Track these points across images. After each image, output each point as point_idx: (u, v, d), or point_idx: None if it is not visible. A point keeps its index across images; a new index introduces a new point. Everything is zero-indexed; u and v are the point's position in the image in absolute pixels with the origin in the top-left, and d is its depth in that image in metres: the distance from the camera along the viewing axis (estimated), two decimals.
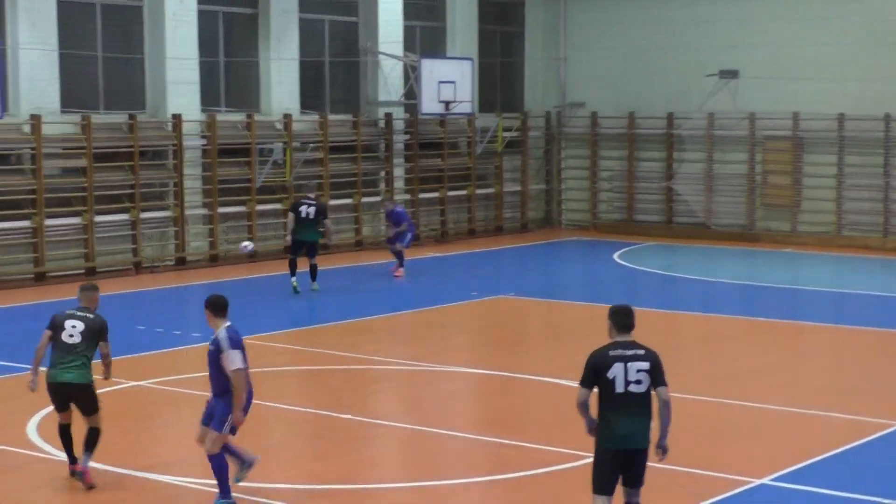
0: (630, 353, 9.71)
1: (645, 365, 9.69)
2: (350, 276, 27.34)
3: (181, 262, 28.21)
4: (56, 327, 12.32)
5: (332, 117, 31.47)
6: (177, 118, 27.89)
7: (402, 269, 26.68)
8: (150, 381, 16.65)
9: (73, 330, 12.16)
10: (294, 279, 24.14)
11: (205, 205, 28.87)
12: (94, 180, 26.51)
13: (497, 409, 16.00)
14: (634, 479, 9.75)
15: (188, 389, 16.35)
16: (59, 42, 26.30)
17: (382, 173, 33.00)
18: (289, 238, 24.38)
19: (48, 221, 25.78)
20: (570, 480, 11.61)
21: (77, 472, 12.08)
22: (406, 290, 25.41)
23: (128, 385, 16.42)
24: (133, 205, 27.30)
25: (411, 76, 32.51)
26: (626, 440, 9.64)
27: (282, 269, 25.20)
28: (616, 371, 9.64)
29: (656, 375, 9.70)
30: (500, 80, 37.00)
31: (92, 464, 12.15)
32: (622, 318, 9.91)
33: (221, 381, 11.20)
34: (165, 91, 28.06)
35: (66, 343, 12.15)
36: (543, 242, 34.27)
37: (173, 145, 28.05)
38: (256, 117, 29.76)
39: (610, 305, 10.07)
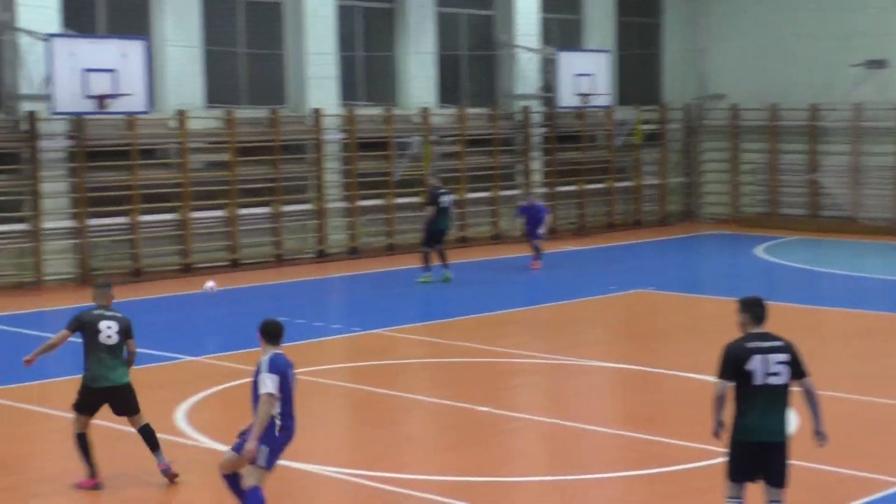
0: (767, 344, 9.55)
1: (784, 357, 9.53)
2: (487, 269, 27.39)
3: (321, 255, 28.58)
4: (88, 329, 11.99)
5: (469, 111, 31.56)
6: (317, 112, 28.28)
7: (539, 262, 26.65)
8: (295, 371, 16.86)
9: (110, 330, 11.96)
10: (430, 274, 24.35)
11: (344, 198, 29.20)
12: (237, 174, 27.03)
13: (636, 404, 15.87)
14: (775, 478, 9.58)
15: (327, 380, 16.54)
16: (204, 39, 26.85)
17: (520, 166, 33.00)
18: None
19: (193, 214, 26.35)
20: (711, 478, 11.47)
21: (165, 472, 12.03)
22: (543, 284, 25.36)
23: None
24: (274, 198, 27.74)
25: (548, 69, 32.44)
26: (762, 433, 9.50)
27: (418, 261, 25.33)
28: (755, 363, 9.49)
29: (797, 366, 9.56)
30: (638, 72, 36.66)
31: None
32: (756, 310, 9.75)
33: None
34: (306, 86, 28.47)
35: (105, 345, 11.94)
36: (683, 236, 33.92)
37: (313, 139, 28.45)
38: (395, 111, 30.02)
39: (739, 298, 9.95)
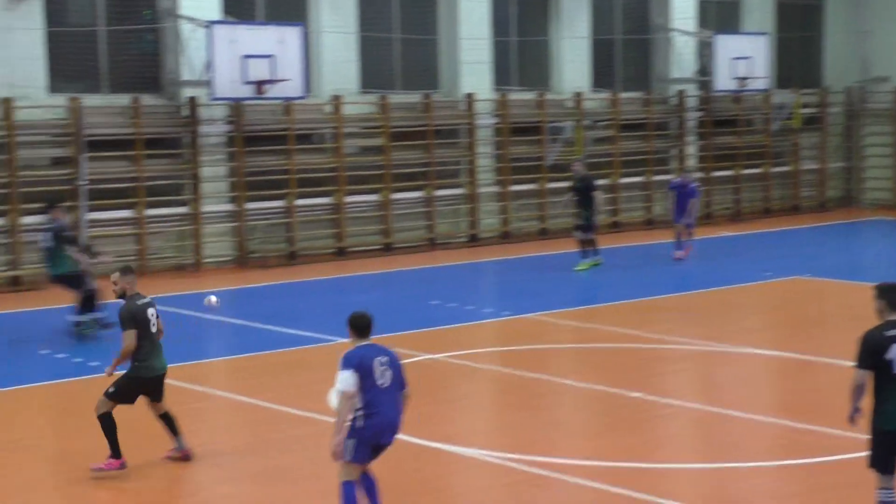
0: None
1: None
2: (639, 254, 27.19)
3: (473, 239, 28.71)
4: (141, 321, 11.83)
5: (622, 95, 31.34)
6: (470, 97, 28.40)
7: (681, 252, 25.88)
8: (444, 354, 17.00)
9: (153, 318, 11.94)
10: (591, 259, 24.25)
11: (496, 182, 29.28)
12: (391, 158, 27.29)
13: (791, 392, 15.62)
14: None
15: (480, 364, 16.63)
16: (359, 25, 27.15)
17: (674, 151, 32.68)
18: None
19: (348, 199, 26.71)
20: (865, 469, 11.24)
21: (179, 458, 12.15)
22: (697, 270, 25.06)
23: (422, 358, 16.82)
24: (427, 182, 27.95)
25: (705, 52, 32.02)
26: None
27: (570, 245, 25.24)
28: (894, 352, 9.36)
29: None
30: (797, 55, 35.96)
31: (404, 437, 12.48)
32: (893, 296, 9.62)
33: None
34: (459, 71, 28.60)
35: (153, 333, 11.93)
36: (842, 222, 33.22)
37: (466, 124, 28.57)
38: (547, 96, 29.97)
39: (876, 284, 9.77)
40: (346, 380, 10.06)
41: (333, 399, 10.89)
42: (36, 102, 22.98)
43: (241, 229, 25.33)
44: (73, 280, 18.00)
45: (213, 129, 25.14)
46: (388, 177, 27.31)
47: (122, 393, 11.86)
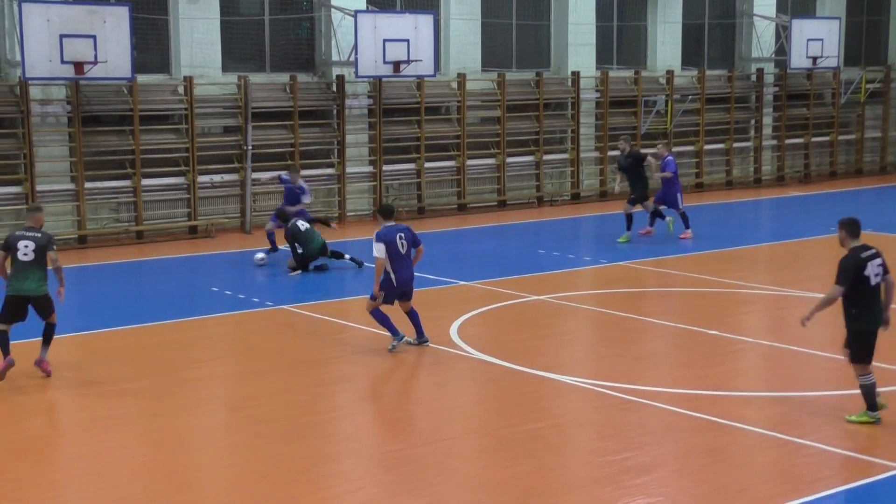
0: (869, 253, 10.86)
1: (880, 260, 10.86)
2: (721, 211, 26.87)
3: (576, 198, 28.65)
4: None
5: (709, 72, 30.85)
6: (575, 75, 28.24)
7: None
8: (548, 295, 17.08)
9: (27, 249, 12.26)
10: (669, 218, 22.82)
11: (596, 148, 29.13)
12: (507, 128, 27.31)
13: None
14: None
15: (579, 304, 16.68)
16: (482, 12, 27.14)
17: (752, 121, 32.18)
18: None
19: (469, 162, 26.80)
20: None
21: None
22: (770, 224, 24.70)
23: (530, 298, 16.92)
24: (537, 148, 27.91)
25: (782, 35, 31.38)
26: (878, 320, 10.81)
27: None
28: (869, 269, 10.73)
29: (885, 267, 10.90)
30: (865, 36, 35.01)
31: (513, 366, 12.67)
32: (855, 227, 11.01)
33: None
34: (567, 52, 28.44)
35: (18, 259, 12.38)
36: None
37: (571, 98, 28.43)
38: (643, 73, 29.65)
39: (840, 218, 11.14)
40: (379, 250, 13.12)
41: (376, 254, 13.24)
42: (212, 80, 23.41)
43: (378, 188, 25.59)
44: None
45: (357, 103, 25.37)
46: (504, 143, 27.32)
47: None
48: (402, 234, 13.36)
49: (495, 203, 27.34)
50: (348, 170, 25.21)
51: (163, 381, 12.70)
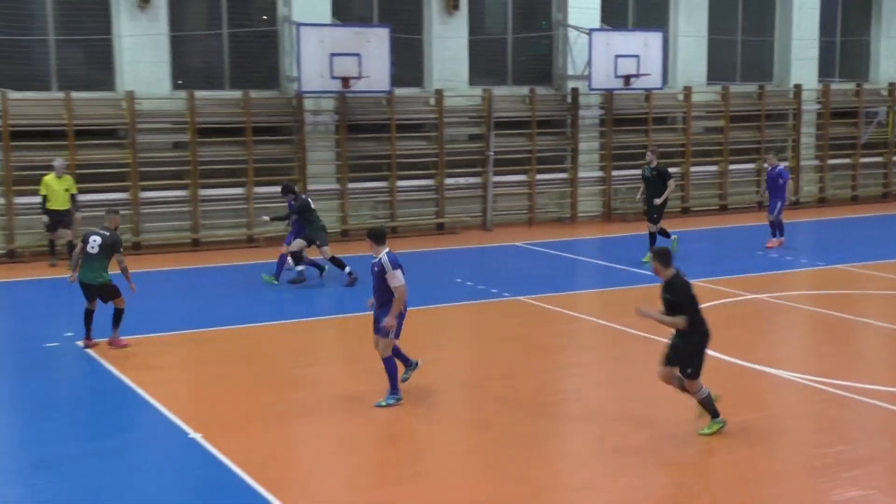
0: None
1: None
2: None
3: (794, 203, 27.65)
4: None
5: None
6: (797, 87, 27.29)
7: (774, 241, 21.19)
8: (766, 294, 16.62)
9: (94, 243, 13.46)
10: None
11: (817, 157, 28.04)
12: (729, 137, 26.68)
13: None
14: None
15: (795, 303, 16.16)
16: (708, 29, 26.60)
17: None
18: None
19: (693, 168, 26.43)
20: None
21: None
22: None
23: (748, 297, 16.51)
24: (759, 157, 27.12)
25: None
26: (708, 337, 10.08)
27: (881, 208, 23.81)
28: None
29: None
30: None
31: (731, 359, 12.42)
32: (669, 256, 10.04)
33: (385, 294, 10.90)
34: (790, 65, 27.55)
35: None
36: None
37: (793, 109, 27.48)
38: (865, 86, 28.34)
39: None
40: (401, 276, 10.71)
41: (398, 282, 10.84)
42: (459, 92, 23.87)
43: (607, 191, 25.47)
44: None
45: (589, 113, 25.32)
46: (727, 151, 26.68)
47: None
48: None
49: (716, 207, 26.74)
50: (580, 174, 25.20)
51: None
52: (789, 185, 21.34)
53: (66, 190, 18.97)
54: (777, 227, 21.15)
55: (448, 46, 23.63)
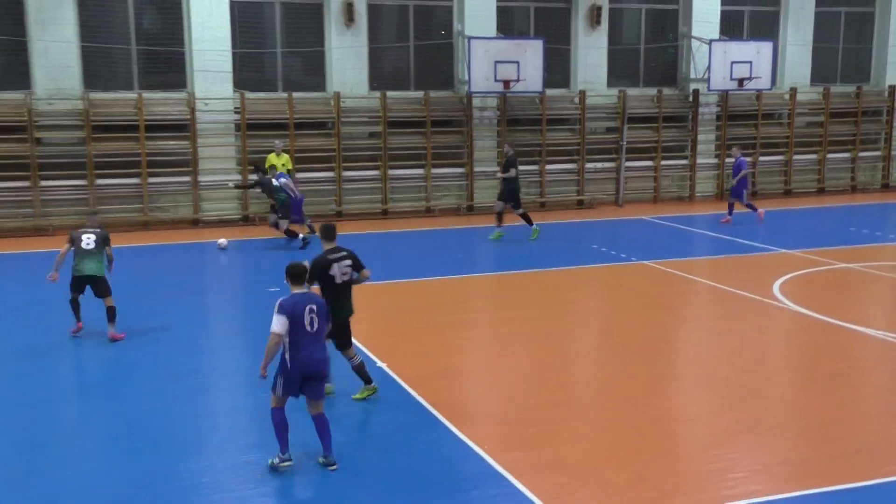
0: (340, 254, 8.94)
1: (349, 261, 8.92)
2: None
3: (885, 187, 26.07)
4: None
5: None
6: (892, 88, 25.69)
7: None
8: (857, 264, 15.77)
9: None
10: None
11: None
12: (829, 130, 25.34)
13: None
14: None
15: (884, 273, 15.26)
16: (813, 38, 25.24)
17: None
18: None
19: (795, 157, 25.18)
20: None
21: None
22: None
23: (840, 266, 15.70)
24: (854, 147, 25.67)
25: None
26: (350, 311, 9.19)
27: None
28: (335, 269, 8.87)
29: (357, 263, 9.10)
30: None
31: (824, 317, 11.89)
32: (329, 232, 8.91)
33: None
34: (885, 69, 26.03)
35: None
36: None
37: (887, 106, 25.91)
38: None
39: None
40: (279, 323, 7.59)
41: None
42: (599, 93, 23.43)
43: (720, 175, 24.58)
44: None
45: (707, 110, 24.45)
46: (825, 143, 25.33)
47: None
48: (308, 307, 7.71)
49: (815, 190, 25.45)
50: (698, 161, 24.41)
51: (549, 310, 13.04)
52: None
53: (283, 165, 19.60)
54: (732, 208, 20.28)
55: (590, 55, 23.21)
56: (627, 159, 23.60)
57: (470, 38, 21.15)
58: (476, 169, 22.20)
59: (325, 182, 21.22)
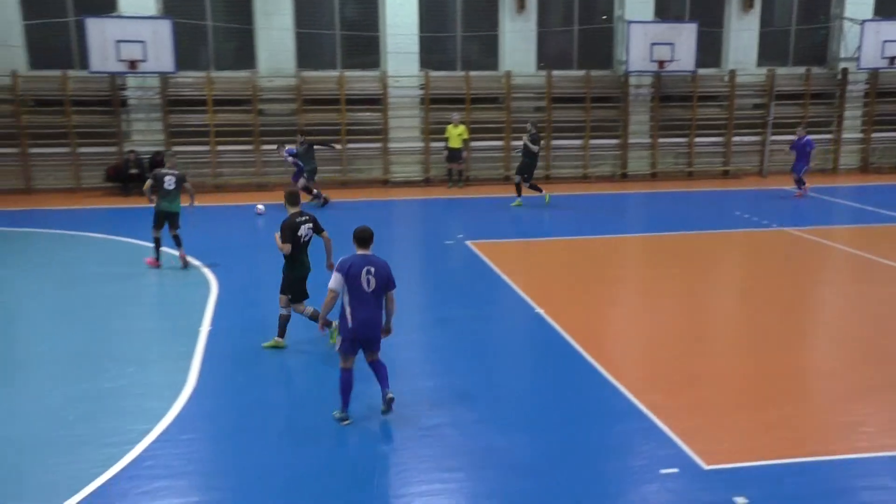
0: (303, 218, 8.79)
1: (310, 225, 8.80)
2: None
3: None
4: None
5: None
6: None
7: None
8: None
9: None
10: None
11: None
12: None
13: None
14: None
15: None
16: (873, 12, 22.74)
17: None
18: None
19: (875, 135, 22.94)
20: None
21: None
22: None
23: None
24: None
25: None
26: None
27: None
28: (302, 230, 8.79)
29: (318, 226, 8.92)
30: None
31: None
32: (294, 198, 8.71)
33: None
34: None
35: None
36: None
37: None
38: None
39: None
40: (335, 281, 7.14)
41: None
42: (748, 72, 22.10)
43: (866, 149, 22.76)
44: None
45: (856, 88, 22.63)
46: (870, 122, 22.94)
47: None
48: (365, 269, 7.15)
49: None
50: (843, 135, 22.70)
51: (691, 269, 12.64)
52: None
53: (459, 135, 19.87)
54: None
55: (741, 37, 21.94)
56: (773, 133, 22.26)
57: (630, 21, 20.50)
58: (630, 140, 21.63)
59: (495, 150, 21.33)
